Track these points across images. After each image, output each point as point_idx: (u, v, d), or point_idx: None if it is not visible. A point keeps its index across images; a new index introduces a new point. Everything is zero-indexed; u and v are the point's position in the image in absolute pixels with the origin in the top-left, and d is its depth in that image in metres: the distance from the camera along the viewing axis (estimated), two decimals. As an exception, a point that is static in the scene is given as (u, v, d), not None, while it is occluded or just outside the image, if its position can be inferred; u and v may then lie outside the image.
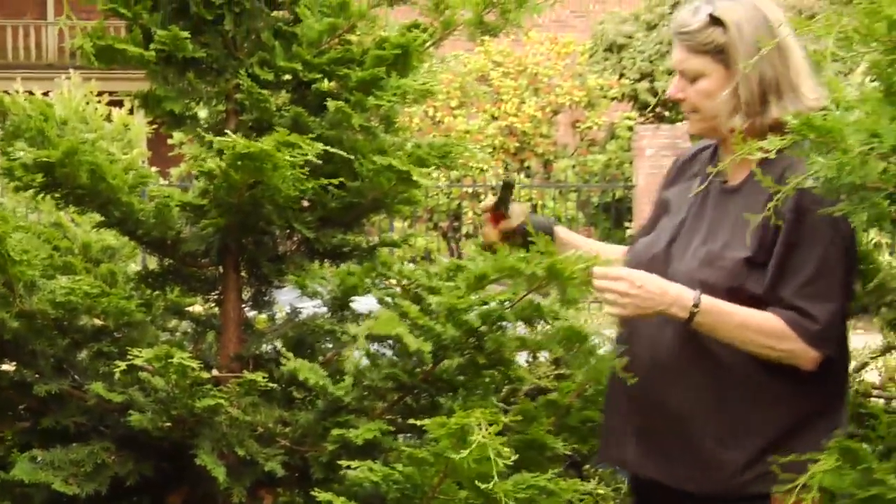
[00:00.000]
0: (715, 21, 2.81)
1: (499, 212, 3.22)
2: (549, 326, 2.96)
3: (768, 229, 2.73)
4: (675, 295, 2.73)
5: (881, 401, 4.26)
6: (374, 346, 3.40)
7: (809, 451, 2.72)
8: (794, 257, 2.74)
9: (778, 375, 2.80)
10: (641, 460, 2.96)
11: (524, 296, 2.91)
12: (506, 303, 2.96)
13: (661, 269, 2.84)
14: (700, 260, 2.83)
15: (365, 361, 3.31)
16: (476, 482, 2.53)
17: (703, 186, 2.84)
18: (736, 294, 2.77)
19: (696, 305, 2.72)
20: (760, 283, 2.78)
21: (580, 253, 2.81)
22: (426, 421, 2.56)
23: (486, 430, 2.46)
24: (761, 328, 2.75)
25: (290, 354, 3.12)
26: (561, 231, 3.24)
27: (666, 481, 2.91)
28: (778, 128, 2.80)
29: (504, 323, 3.03)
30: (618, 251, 3.20)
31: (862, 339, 4.50)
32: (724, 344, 2.79)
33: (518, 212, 3.22)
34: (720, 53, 2.81)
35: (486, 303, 3.00)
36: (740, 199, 2.85)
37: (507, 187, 3.21)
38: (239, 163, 2.98)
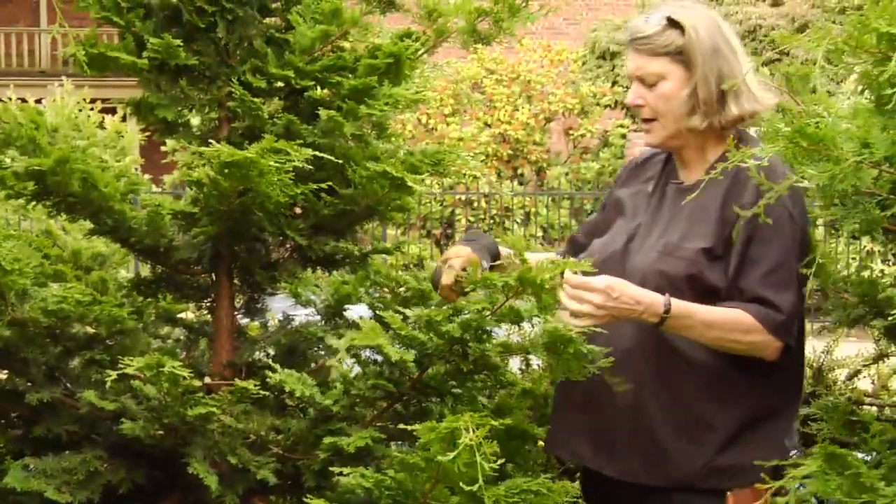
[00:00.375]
0: (672, 24, 2.87)
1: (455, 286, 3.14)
2: (534, 330, 2.95)
3: (726, 223, 2.80)
4: (648, 302, 2.75)
5: (874, 408, 4.27)
6: (365, 353, 3.40)
7: (768, 446, 2.83)
8: (755, 248, 2.79)
9: (738, 368, 2.85)
10: (594, 454, 2.97)
11: (502, 304, 2.91)
12: (485, 311, 2.96)
13: (617, 267, 2.87)
14: (658, 251, 2.87)
15: (356, 369, 3.31)
16: (467, 486, 2.53)
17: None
18: (694, 282, 2.81)
19: (666, 311, 2.74)
20: (718, 274, 2.82)
21: (552, 259, 2.81)
22: (416, 426, 2.56)
23: (475, 433, 2.46)
24: (728, 324, 2.79)
25: (278, 366, 3.12)
26: (503, 249, 3.21)
27: (619, 476, 2.92)
28: (733, 126, 2.89)
29: (487, 328, 3.03)
30: (549, 257, 3.20)
31: (855, 346, 4.51)
32: (683, 338, 2.81)
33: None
34: (679, 55, 2.86)
35: (466, 311, 3.00)
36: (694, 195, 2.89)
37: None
38: (226, 170, 2.98)
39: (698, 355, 2.83)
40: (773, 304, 2.79)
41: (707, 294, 2.82)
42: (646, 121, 2.93)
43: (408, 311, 3.03)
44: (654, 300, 2.74)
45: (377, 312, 3.38)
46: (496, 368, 3.22)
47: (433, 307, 3.09)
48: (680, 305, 2.76)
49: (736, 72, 2.85)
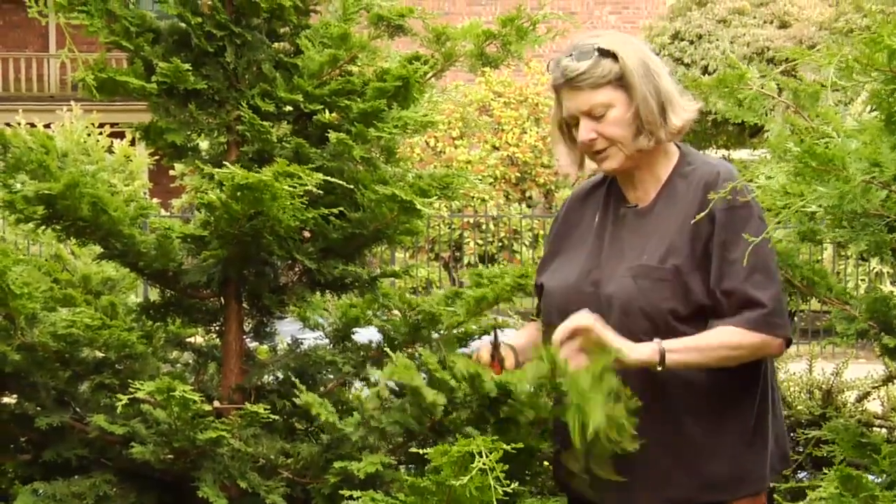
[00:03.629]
0: (604, 53, 2.92)
1: (495, 361, 3.07)
2: None
3: (698, 235, 2.84)
4: (646, 357, 2.77)
5: (884, 430, 4.25)
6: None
7: (764, 451, 2.91)
8: (733, 251, 2.82)
9: (730, 382, 2.88)
10: (591, 488, 2.95)
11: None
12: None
13: (589, 295, 2.90)
14: (637, 275, 2.89)
15: (365, 391, 3.30)
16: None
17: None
18: (684, 294, 2.84)
19: (661, 363, 2.76)
20: (699, 284, 2.86)
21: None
22: (429, 450, 2.55)
23: (488, 457, 2.45)
24: (722, 346, 2.82)
25: (303, 387, 3.11)
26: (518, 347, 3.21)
27: None
28: (676, 137, 2.96)
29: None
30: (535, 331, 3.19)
31: (864, 368, 4.50)
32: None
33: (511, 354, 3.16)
34: (619, 80, 2.92)
35: None
36: (655, 216, 2.94)
37: (496, 345, 3.09)
38: (238, 194, 2.98)
39: (692, 375, 2.84)
40: (758, 301, 2.83)
41: (694, 302, 2.85)
42: (599, 152, 2.95)
43: (455, 363, 2.98)
44: (649, 357, 2.76)
45: (417, 352, 3.33)
46: (519, 426, 3.18)
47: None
48: (673, 355, 2.77)
49: (665, 84, 2.93)
